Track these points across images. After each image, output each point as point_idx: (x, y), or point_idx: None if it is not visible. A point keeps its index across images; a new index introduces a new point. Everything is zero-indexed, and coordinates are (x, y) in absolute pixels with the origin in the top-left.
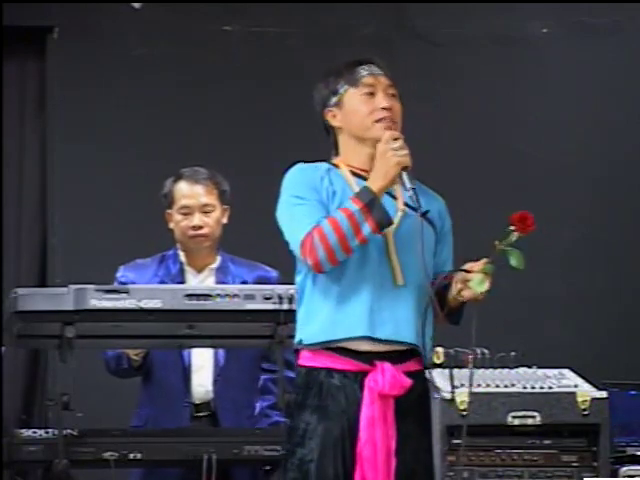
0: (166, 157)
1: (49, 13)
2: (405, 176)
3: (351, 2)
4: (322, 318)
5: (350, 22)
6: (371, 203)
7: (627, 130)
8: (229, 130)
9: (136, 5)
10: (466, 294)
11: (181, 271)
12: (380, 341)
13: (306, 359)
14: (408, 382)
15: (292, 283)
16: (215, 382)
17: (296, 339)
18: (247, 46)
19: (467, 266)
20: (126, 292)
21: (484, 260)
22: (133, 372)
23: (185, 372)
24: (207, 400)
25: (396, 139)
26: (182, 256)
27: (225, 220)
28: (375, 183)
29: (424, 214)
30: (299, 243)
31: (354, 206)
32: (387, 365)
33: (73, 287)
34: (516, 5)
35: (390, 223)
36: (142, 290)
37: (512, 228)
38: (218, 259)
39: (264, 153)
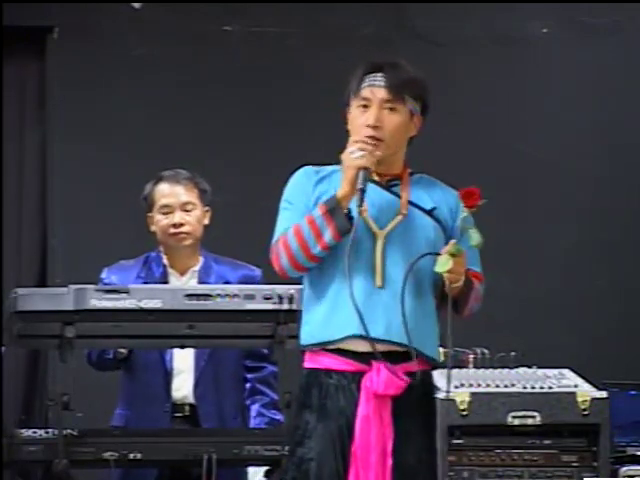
0: (166, 157)
1: (49, 13)
2: (360, 176)
3: (351, 2)
4: (316, 319)
5: (350, 22)
6: (333, 209)
7: (627, 130)
8: (229, 130)
9: (136, 5)
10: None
11: (164, 274)
12: (376, 340)
13: (308, 361)
14: (404, 382)
15: (280, 282)
16: (196, 385)
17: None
18: (247, 46)
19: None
20: (126, 292)
21: (452, 242)
22: (115, 364)
23: (167, 376)
24: (187, 403)
25: (357, 142)
26: (165, 259)
27: (207, 221)
28: (339, 190)
29: (430, 211)
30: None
31: (317, 212)
32: (383, 365)
33: (73, 287)
34: (516, 5)
35: (349, 230)
36: (142, 290)
37: (461, 205)
38: (201, 260)
39: (264, 153)
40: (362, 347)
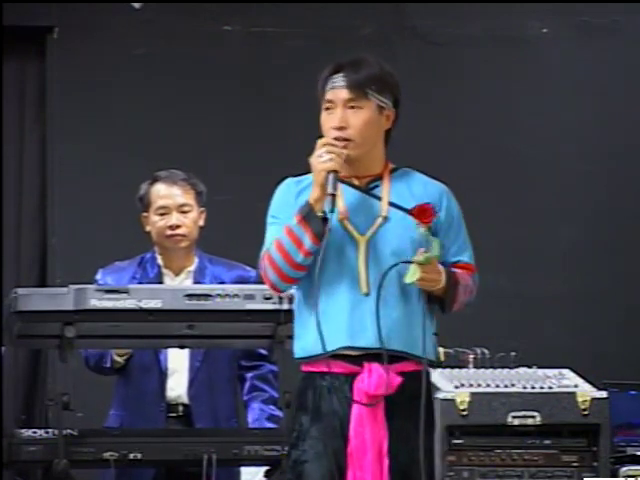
0: (166, 157)
1: (49, 13)
2: (330, 180)
3: (351, 2)
4: (307, 333)
5: (350, 22)
6: (307, 215)
7: (627, 130)
8: (229, 130)
9: (136, 5)
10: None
11: (159, 274)
12: (366, 349)
13: (304, 365)
14: (396, 382)
15: None
16: (190, 385)
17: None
18: (247, 46)
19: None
20: (126, 292)
21: (420, 250)
22: (112, 372)
23: (162, 376)
24: (181, 403)
25: (325, 145)
26: (160, 259)
27: (202, 222)
28: (311, 194)
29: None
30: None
31: (293, 221)
32: (375, 366)
33: (73, 287)
34: (516, 5)
35: (324, 232)
36: (142, 290)
37: (417, 222)
38: (195, 261)
39: (264, 153)
40: (354, 352)
